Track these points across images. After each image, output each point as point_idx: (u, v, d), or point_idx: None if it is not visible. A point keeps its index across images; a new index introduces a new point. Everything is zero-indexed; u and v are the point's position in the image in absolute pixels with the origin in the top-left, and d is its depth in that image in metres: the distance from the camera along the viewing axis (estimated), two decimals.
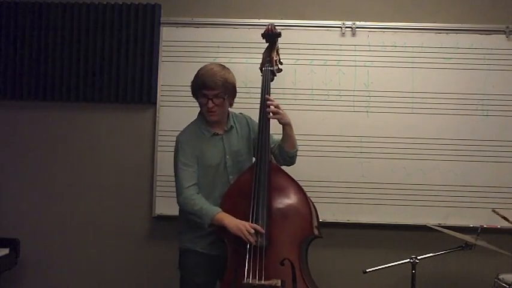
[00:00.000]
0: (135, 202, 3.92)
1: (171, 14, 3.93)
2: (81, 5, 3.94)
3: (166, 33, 3.91)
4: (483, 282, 3.51)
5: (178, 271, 3.02)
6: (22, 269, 3.88)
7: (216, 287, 3.02)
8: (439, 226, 3.45)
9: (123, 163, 3.94)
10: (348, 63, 3.82)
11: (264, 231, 2.77)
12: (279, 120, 2.93)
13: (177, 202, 2.94)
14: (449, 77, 3.78)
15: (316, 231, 2.88)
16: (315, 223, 2.91)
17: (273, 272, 2.75)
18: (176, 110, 3.82)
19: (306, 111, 3.79)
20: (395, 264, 3.23)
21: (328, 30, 3.84)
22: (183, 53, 3.87)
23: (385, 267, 3.24)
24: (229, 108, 3.07)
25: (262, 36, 3.04)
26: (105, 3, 3.95)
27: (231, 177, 2.98)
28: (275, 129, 3.02)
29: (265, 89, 2.97)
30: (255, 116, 3.03)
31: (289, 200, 2.89)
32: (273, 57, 3.01)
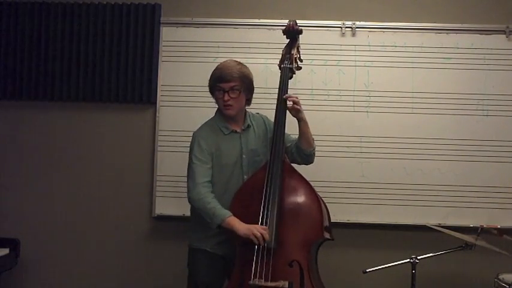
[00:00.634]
0: (135, 202, 3.92)
1: (171, 14, 3.93)
2: (81, 5, 3.94)
3: (166, 33, 3.91)
4: (483, 282, 3.51)
5: (187, 270, 3.04)
6: (22, 269, 3.88)
7: (223, 286, 3.01)
8: (439, 226, 3.45)
9: (123, 163, 3.94)
10: (348, 63, 3.82)
11: (269, 235, 2.74)
12: (296, 114, 2.93)
13: (189, 197, 2.91)
14: (449, 77, 3.78)
15: (326, 234, 2.87)
16: (326, 225, 2.89)
17: (281, 273, 2.73)
18: (176, 110, 3.82)
19: (306, 111, 3.73)
20: (395, 264, 3.23)
21: (328, 30, 3.84)
22: (183, 53, 3.87)
23: (385, 267, 3.23)
24: (254, 109, 3.08)
25: (283, 32, 3.02)
26: (105, 3, 3.95)
27: (245, 176, 2.96)
28: (291, 130, 3.02)
29: (283, 88, 2.96)
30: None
31: (301, 201, 2.87)
32: (292, 55, 2.99)
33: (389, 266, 3.24)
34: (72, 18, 3.94)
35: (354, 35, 3.84)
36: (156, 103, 3.90)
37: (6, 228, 3.87)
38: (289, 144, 3.04)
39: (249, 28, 3.84)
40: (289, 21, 3.02)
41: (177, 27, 3.91)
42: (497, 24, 3.79)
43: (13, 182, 3.97)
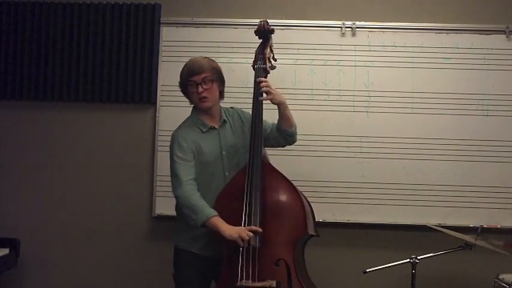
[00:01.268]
0: (135, 202, 3.93)
1: (171, 14, 3.93)
2: (81, 5, 3.94)
3: (166, 33, 3.91)
4: (483, 282, 3.51)
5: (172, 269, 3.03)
6: (22, 269, 3.88)
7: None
8: (439, 226, 3.45)
9: (123, 163, 3.94)
10: (348, 63, 3.82)
11: (254, 233, 2.75)
12: (271, 100, 2.92)
13: (175, 195, 2.91)
14: (449, 77, 3.78)
15: (311, 231, 2.87)
16: (310, 222, 2.89)
17: (267, 272, 2.73)
18: (176, 110, 3.80)
19: (306, 111, 3.79)
20: (395, 264, 3.23)
21: (328, 30, 3.84)
22: (183, 53, 3.85)
23: (385, 267, 3.23)
24: (225, 106, 3.08)
25: (255, 33, 3.03)
26: (105, 3, 3.95)
27: (227, 173, 2.97)
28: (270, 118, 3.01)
29: (257, 88, 2.95)
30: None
31: (282, 199, 2.88)
32: (265, 54, 2.99)
33: (389, 266, 3.24)
34: (72, 18, 3.94)
35: (354, 35, 3.84)
36: (156, 103, 3.90)
37: (6, 228, 3.87)
38: (269, 131, 3.04)
39: (249, 28, 3.82)
40: (261, 21, 3.03)
41: (177, 27, 3.91)
42: (497, 24, 3.79)
43: (13, 182, 3.97)
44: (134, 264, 3.91)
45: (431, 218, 3.70)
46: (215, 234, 2.82)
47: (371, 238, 3.82)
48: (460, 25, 3.80)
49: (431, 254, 3.25)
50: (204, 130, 2.99)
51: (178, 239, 3.03)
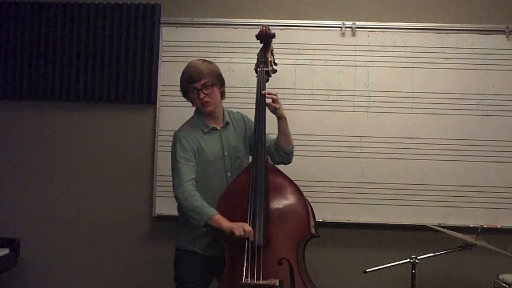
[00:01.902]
0: (135, 202, 3.92)
1: (171, 14, 3.93)
2: (81, 5, 3.94)
3: (166, 33, 3.91)
4: (483, 282, 3.52)
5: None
6: (22, 269, 3.88)
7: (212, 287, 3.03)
8: (439, 226, 3.45)
9: (123, 163, 3.94)
10: (348, 63, 3.82)
11: (257, 234, 2.77)
12: (275, 111, 2.96)
13: (175, 196, 2.92)
14: (449, 77, 3.78)
15: (313, 230, 2.90)
16: (312, 222, 2.92)
17: (271, 271, 2.76)
18: (176, 110, 3.81)
19: (306, 111, 3.79)
20: (395, 264, 3.23)
21: (328, 30, 3.84)
22: (183, 53, 3.86)
23: (385, 267, 3.23)
24: (225, 106, 3.10)
25: (256, 37, 3.06)
26: (105, 3, 3.95)
27: (229, 174, 3.00)
28: (271, 130, 3.03)
29: (260, 90, 2.99)
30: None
31: (287, 199, 2.91)
32: (267, 58, 3.03)
33: (389, 266, 3.24)
34: (72, 18, 3.94)
35: (354, 35, 3.84)
36: (156, 103, 3.90)
37: (6, 228, 3.87)
38: (268, 144, 3.06)
39: (249, 28, 3.84)
40: (262, 26, 3.08)
41: (177, 27, 3.91)
42: (497, 24, 3.79)
43: (13, 182, 3.97)
44: (134, 264, 3.91)
45: (431, 218, 3.70)
46: (217, 235, 2.84)
47: (371, 238, 3.82)
48: (460, 25, 3.80)
49: (431, 254, 3.25)
50: (205, 130, 3.02)
51: (180, 241, 3.03)
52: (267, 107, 2.96)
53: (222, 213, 2.84)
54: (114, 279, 3.92)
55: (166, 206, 3.80)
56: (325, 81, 3.83)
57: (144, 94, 3.91)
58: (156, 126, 3.89)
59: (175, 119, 3.78)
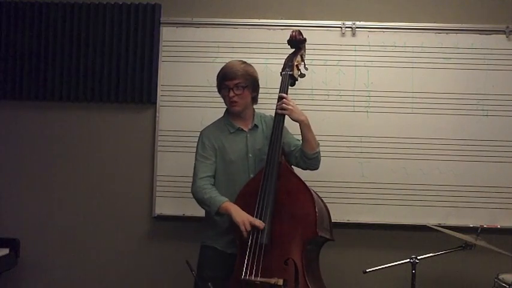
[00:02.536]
0: (135, 202, 3.92)
1: (171, 14, 3.93)
2: (81, 5, 3.94)
3: (166, 33, 3.90)
4: (483, 282, 3.51)
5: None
6: (22, 269, 3.88)
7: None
8: (439, 226, 3.45)
9: (123, 163, 3.94)
10: (348, 63, 3.82)
11: (262, 227, 2.81)
12: (290, 116, 3.01)
13: (191, 191, 3.03)
14: (449, 77, 3.78)
15: (322, 233, 2.90)
16: (324, 225, 2.93)
17: (276, 270, 2.78)
18: (176, 110, 3.82)
19: (306, 111, 3.75)
20: (395, 264, 3.24)
21: (328, 30, 3.84)
22: (183, 53, 3.87)
23: (385, 267, 3.24)
24: (257, 109, 3.18)
25: (287, 42, 3.12)
26: (105, 3, 3.95)
27: (251, 175, 3.04)
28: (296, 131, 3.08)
29: (280, 92, 3.05)
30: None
31: (295, 200, 2.91)
32: (294, 63, 3.06)
33: (389, 266, 3.25)
34: (72, 18, 3.94)
35: (354, 35, 3.83)
36: (156, 103, 3.90)
37: (6, 228, 3.87)
38: (294, 148, 3.11)
39: (249, 28, 3.84)
40: (293, 31, 3.12)
41: (177, 27, 3.91)
42: (497, 24, 3.79)
43: (13, 182, 3.97)
44: (134, 264, 3.91)
45: (431, 218, 3.70)
46: (231, 230, 2.92)
47: (371, 238, 3.82)
48: (460, 25, 3.80)
49: (431, 254, 3.25)
50: (231, 131, 3.09)
51: (204, 236, 3.13)
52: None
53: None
54: (114, 279, 3.92)
55: (166, 206, 3.80)
56: (325, 81, 3.82)
57: (144, 94, 3.91)
58: (156, 126, 3.88)
59: (175, 119, 3.81)
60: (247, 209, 2.88)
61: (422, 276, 3.30)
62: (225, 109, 3.17)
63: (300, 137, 3.09)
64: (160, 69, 3.90)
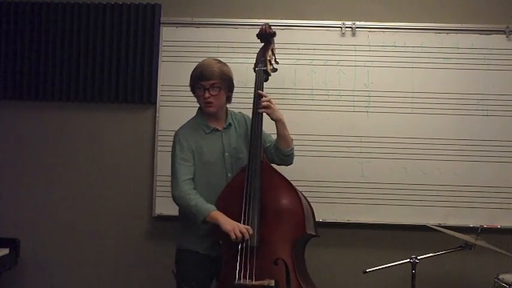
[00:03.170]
0: (135, 202, 3.92)
1: (171, 14, 3.93)
2: (81, 5, 3.94)
3: (166, 33, 3.91)
4: (483, 282, 3.51)
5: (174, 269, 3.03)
6: (22, 269, 3.88)
7: (212, 287, 3.02)
8: (439, 226, 3.45)
9: (123, 163, 3.94)
10: (348, 63, 3.82)
11: (252, 233, 2.77)
12: (269, 115, 2.96)
13: (172, 195, 2.94)
14: (449, 77, 3.78)
15: (310, 230, 2.88)
16: (310, 222, 2.91)
17: (266, 271, 2.75)
18: (176, 110, 3.81)
19: (306, 111, 3.79)
20: (395, 264, 3.23)
21: (328, 30, 3.84)
22: (183, 53, 3.87)
23: (385, 267, 3.24)
24: (229, 108, 3.10)
25: (257, 36, 3.06)
26: (105, 3, 3.95)
27: (229, 175, 3.00)
28: (271, 130, 3.04)
29: (258, 89, 3.00)
30: None
31: (281, 199, 2.89)
32: (266, 58, 3.02)
33: (389, 266, 3.24)
34: (72, 18, 3.94)
35: (354, 35, 3.84)
36: (156, 103, 3.90)
37: (6, 228, 3.87)
38: (269, 145, 3.07)
39: (249, 28, 3.84)
40: (263, 25, 3.07)
41: (177, 27, 3.91)
42: (497, 24, 3.79)
43: (13, 182, 3.97)
44: (134, 264, 3.91)
45: (431, 218, 3.70)
46: (214, 234, 2.84)
47: (371, 238, 3.82)
48: (460, 25, 3.80)
49: (431, 254, 3.25)
50: (207, 131, 3.03)
51: (182, 240, 3.04)
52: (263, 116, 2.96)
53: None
54: (114, 279, 3.92)
55: (166, 206, 3.80)
56: (325, 81, 3.82)
57: (144, 94, 3.91)
58: (156, 126, 3.89)
59: (175, 119, 3.78)
60: (231, 211, 2.83)
61: (422, 276, 3.30)
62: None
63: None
64: (160, 69, 3.90)
